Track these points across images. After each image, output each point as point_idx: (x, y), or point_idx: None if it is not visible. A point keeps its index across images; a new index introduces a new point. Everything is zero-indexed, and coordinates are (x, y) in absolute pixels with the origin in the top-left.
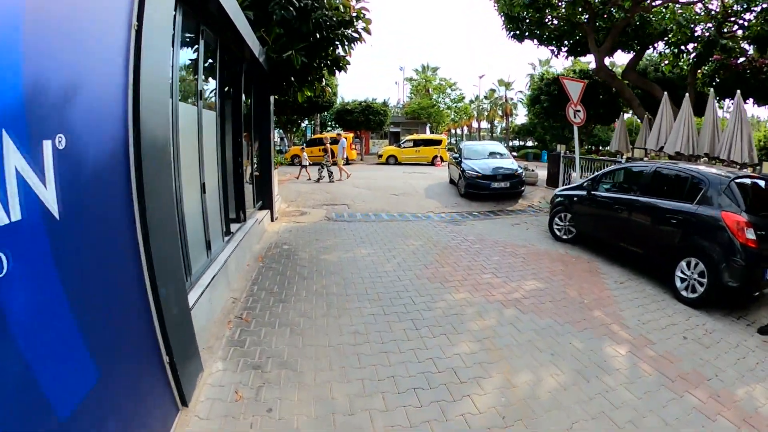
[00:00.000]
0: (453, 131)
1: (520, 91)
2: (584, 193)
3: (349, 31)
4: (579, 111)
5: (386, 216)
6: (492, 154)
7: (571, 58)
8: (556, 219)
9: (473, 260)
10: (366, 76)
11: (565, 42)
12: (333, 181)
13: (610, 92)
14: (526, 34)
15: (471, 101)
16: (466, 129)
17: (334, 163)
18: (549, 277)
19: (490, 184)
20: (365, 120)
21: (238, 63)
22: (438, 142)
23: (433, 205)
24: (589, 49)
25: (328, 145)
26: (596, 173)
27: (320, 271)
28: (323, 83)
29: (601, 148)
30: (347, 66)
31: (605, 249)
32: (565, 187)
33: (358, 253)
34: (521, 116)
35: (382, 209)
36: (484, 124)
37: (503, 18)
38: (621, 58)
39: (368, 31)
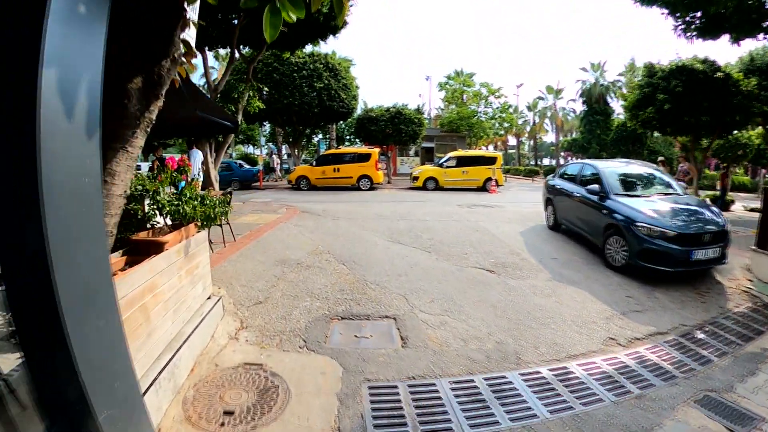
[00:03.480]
0: (485, 148)
1: (572, 100)
2: None
3: None
4: None
5: (546, 411)
6: (650, 184)
7: (689, 42)
8: None
9: None
10: (386, 88)
11: (701, 15)
12: None
13: (714, 94)
14: None
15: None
16: (500, 145)
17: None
18: None
19: (691, 253)
20: (395, 131)
21: None
22: (491, 161)
23: (591, 306)
24: (731, 28)
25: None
26: None
27: None
28: None
29: (723, 166)
30: None
31: None
32: None
33: None
34: (550, 134)
35: (492, 339)
36: (520, 140)
37: None
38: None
39: None
